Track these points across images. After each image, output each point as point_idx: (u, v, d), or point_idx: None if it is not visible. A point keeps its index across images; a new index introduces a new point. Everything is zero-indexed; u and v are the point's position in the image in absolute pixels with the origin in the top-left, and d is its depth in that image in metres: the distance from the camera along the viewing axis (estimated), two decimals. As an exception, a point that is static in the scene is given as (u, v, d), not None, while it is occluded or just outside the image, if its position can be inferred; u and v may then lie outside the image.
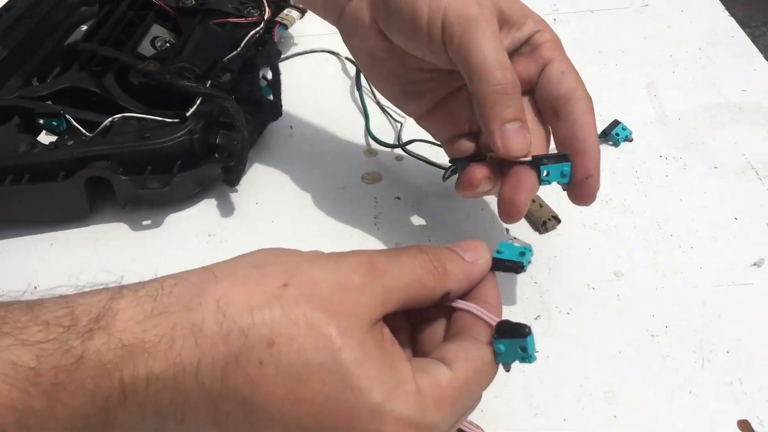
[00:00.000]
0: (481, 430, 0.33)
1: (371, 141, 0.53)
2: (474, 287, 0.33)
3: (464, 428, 0.32)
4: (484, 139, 0.41)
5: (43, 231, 0.48)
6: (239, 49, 0.52)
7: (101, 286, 0.28)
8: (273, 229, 0.48)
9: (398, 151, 0.53)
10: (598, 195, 0.49)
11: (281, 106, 0.53)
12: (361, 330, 0.27)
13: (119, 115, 0.48)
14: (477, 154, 0.41)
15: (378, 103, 0.56)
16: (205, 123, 0.48)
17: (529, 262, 0.34)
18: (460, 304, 0.32)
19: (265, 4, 0.56)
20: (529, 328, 0.30)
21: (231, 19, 0.56)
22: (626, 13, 0.69)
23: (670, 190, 0.50)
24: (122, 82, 0.51)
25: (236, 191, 0.50)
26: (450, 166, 0.44)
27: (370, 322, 0.28)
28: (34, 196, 0.46)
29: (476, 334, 0.31)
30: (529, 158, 0.36)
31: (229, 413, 0.27)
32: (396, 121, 0.55)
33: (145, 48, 0.54)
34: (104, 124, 0.47)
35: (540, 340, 0.40)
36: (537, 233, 0.47)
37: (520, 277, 0.44)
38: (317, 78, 0.60)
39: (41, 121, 0.49)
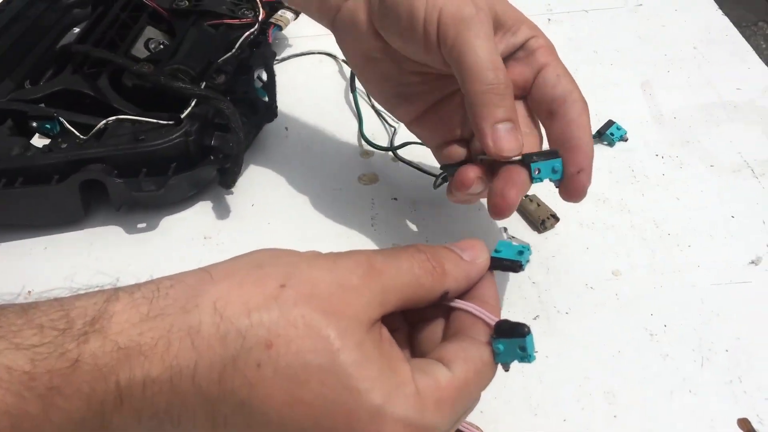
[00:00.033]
0: (480, 430, 0.33)
1: (375, 132, 0.53)
2: (472, 287, 0.33)
3: (463, 429, 0.32)
4: (475, 145, 0.40)
5: (37, 235, 0.47)
6: (234, 50, 0.52)
7: (96, 289, 0.27)
8: (269, 231, 0.48)
9: (397, 141, 0.52)
10: (595, 194, 0.50)
11: (276, 107, 0.53)
12: (359, 331, 0.27)
13: (113, 118, 0.47)
14: (468, 160, 0.41)
15: (373, 107, 0.56)
16: (200, 125, 0.47)
17: (528, 261, 0.33)
18: (459, 303, 0.32)
19: (260, 6, 0.56)
20: (528, 327, 0.29)
21: (225, 21, 0.55)
22: (620, 13, 0.69)
23: (666, 189, 0.50)
24: (116, 85, 0.50)
25: (232, 193, 0.50)
26: (441, 173, 0.43)
27: (369, 322, 0.28)
28: (27, 200, 0.46)
29: (475, 334, 0.30)
30: (519, 157, 0.36)
31: (226, 416, 0.27)
32: (390, 125, 0.55)
33: (139, 50, 0.54)
34: (98, 126, 0.47)
35: (539, 340, 0.40)
36: (536, 233, 0.47)
37: (519, 277, 0.44)
38: (312, 79, 0.60)
39: (34, 124, 0.48)
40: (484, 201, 0.48)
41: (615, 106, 0.57)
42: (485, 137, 0.36)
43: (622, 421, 0.37)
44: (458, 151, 0.41)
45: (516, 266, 0.33)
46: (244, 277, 0.28)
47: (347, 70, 0.60)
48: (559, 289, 0.44)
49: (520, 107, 0.39)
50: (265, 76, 0.54)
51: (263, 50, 0.55)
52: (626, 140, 0.54)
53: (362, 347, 0.27)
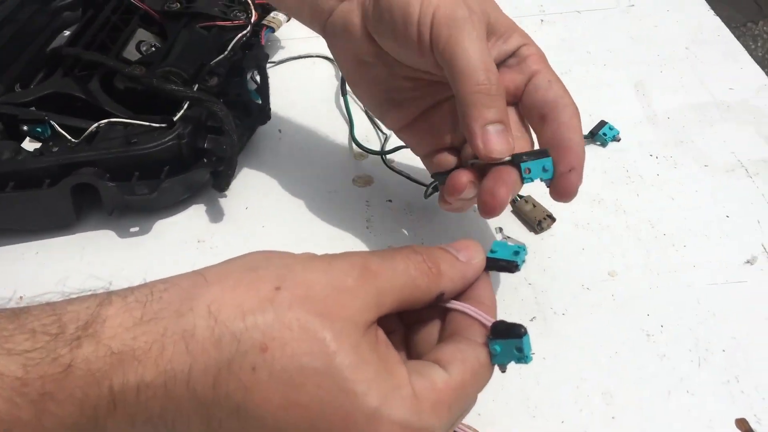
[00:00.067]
0: (477, 432, 0.33)
1: (369, 135, 0.53)
2: (468, 287, 0.32)
3: (460, 431, 0.32)
4: (465, 152, 0.40)
5: (28, 239, 0.47)
6: (226, 52, 0.51)
7: (89, 293, 0.27)
8: (263, 234, 0.48)
9: (389, 146, 0.52)
10: (590, 195, 0.50)
11: (270, 109, 0.53)
12: (355, 333, 0.27)
13: (105, 121, 0.47)
14: (459, 167, 0.41)
15: (366, 111, 0.56)
16: (193, 127, 0.47)
17: (524, 262, 0.33)
18: (455, 304, 0.31)
19: (252, 7, 0.56)
20: (525, 328, 0.29)
21: (217, 23, 0.55)
22: (613, 14, 0.69)
23: (661, 189, 0.50)
24: (107, 87, 0.50)
25: (225, 196, 0.50)
26: (432, 182, 0.43)
27: (365, 324, 0.28)
28: (18, 204, 0.46)
29: (471, 335, 0.30)
30: (508, 158, 0.36)
31: (221, 420, 0.26)
32: (383, 132, 0.54)
33: (131, 52, 0.54)
34: (90, 129, 0.46)
35: (536, 341, 0.40)
36: (532, 234, 0.47)
37: (515, 278, 0.44)
38: (306, 81, 0.60)
39: (25, 128, 0.48)
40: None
41: (608, 106, 0.57)
42: (475, 138, 0.36)
43: (619, 422, 0.37)
44: (448, 159, 0.41)
45: (512, 266, 0.33)
46: (239, 280, 0.27)
47: (341, 72, 0.60)
48: (556, 290, 0.43)
49: (511, 113, 0.39)
50: (258, 78, 0.54)
51: (256, 52, 0.54)
52: (619, 140, 0.54)
53: (358, 349, 0.27)
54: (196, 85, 0.49)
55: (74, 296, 0.27)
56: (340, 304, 0.27)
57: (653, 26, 0.67)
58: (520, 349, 0.29)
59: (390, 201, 0.49)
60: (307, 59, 0.62)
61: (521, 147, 0.38)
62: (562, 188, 0.37)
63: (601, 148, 0.54)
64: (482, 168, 0.37)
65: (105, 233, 0.47)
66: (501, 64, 0.39)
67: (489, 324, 0.30)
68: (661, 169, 0.52)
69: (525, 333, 0.29)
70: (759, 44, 2.03)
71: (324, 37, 0.43)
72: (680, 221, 0.48)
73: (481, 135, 0.35)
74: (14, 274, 0.45)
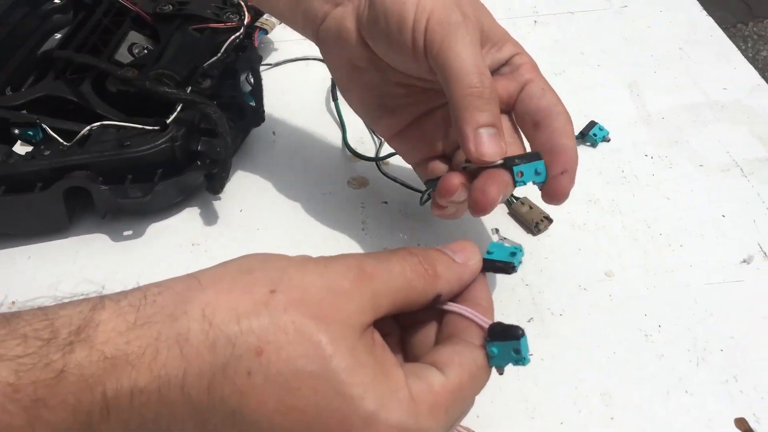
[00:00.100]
0: (474, 433, 0.33)
1: (362, 139, 0.53)
2: (465, 289, 0.32)
3: (457, 433, 0.32)
4: (457, 159, 0.40)
5: (20, 244, 0.46)
6: (219, 54, 0.51)
7: (82, 297, 0.27)
8: (258, 236, 0.47)
9: (384, 152, 0.52)
10: (586, 195, 0.49)
11: (264, 111, 0.52)
12: (351, 336, 0.27)
13: (97, 124, 0.46)
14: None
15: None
16: (187, 130, 0.47)
17: (520, 263, 0.33)
18: (451, 306, 0.31)
19: (245, 9, 0.55)
20: (522, 329, 0.29)
21: (210, 25, 0.55)
22: (606, 14, 0.69)
23: (657, 189, 0.50)
24: (100, 90, 0.50)
25: (220, 199, 0.49)
26: (427, 189, 0.43)
27: (361, 327, 0.27)
28: (10, 208, 0.45)
29: (468, 337, 0.30)
30: (500, 161, 0.36)
31: (216, 425, 0.26)
32: (377, 136, 0.54)
33: (123, 55, 0.53)
34: (82, 132, 0.46)
35: (534, 342, 0.40)
36: (529, 235, 0.47)
37: (512, 279, 0.43)
38: (300, 83, 0.59)
39: (16, 131, 0.47)
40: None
41: (602, 106, 0.57)
42: (467, 141, 0.35)
43: (619, 423, 0.37)
44: (440, 167, 0.41)
45: (509, 268, 0.33)
46: (233, 283, 0.27)
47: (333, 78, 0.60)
48: (553, 290, 0.43)
49: (504, 121, 0.39)
50: (252, 81, 0.53)
51: (249, 54, 0.54)
52: (608, 140, 0.54)
53: (354, 352, 0.26)
54: (189, 88, 0.49)
55: (67, 300, 0.26)
56: (335, 306, 0.27)
57: (646, 27, 0.67)
58: (517, 351, 0.29)
59: (385, 203, 0.49)
60: (300, 61, 0.62)
61: (513, 154, 0.38)
62: (554, 191, 0.37)
63: (591, 148, 0.54)
64: (474, 172, 0.37)
65: (98, 237, 0.47)
66: (494, 72, 0.39)
67: (486, 326, 0.30)
68: (657, 169, 0.52)
69: (522, 335, 0.29)
70: (749, 45, 2.04)
71: (317, 43, 0.43)
72: (676, 221, 0.48)
73: (473, 138, 0.35)
74: (6, 278, 0.44)
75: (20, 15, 0.55)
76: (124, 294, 0.27)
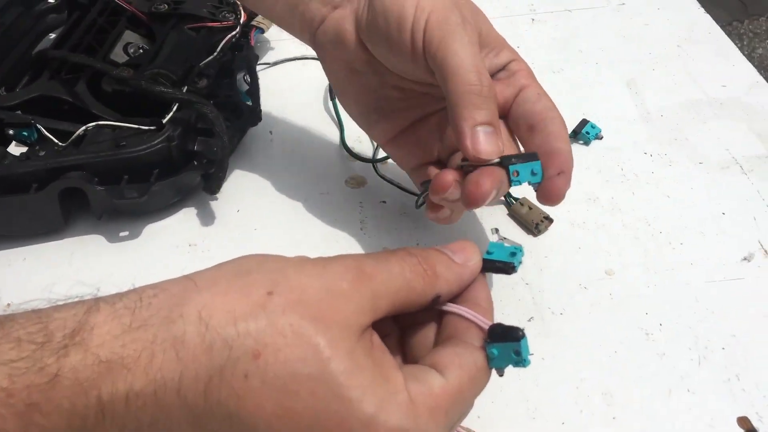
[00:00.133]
0: (474, 434, 0.32)
1: (357, 141, 0.52)
2: (464, 289, 0.32)
3: (458, 435, 0.31)
4: (452, 163, 0.40)
5: (15, 245, 0.46)
6: (215, 53, 0.51)
7: (76, 299, 0.26)
8: (256, 237, 0.47)
9: (382, 154, 0.51)
10: (585, 193, 0.49)
11: (261, 111, 0.52)
12: (350, 338, 0.26)
13: (93, 124, 0.46)
14: None
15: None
16: (183, 129, 0.46)
17: (520, 263, 0.33)
18: (451, 307, 0.31)
19: (241, 8, 0.55)
20: (523, 331, 0.29)
21: (206, 24, 0.54)
22: (604, 12, 0.69)
23: (656, 186, 0.50)
24: (95, 90, 0.49)
25: (217, 199, 0.49)
26: (423, 192, 0.43)
27: (360, 329, 0.27)
28: (5, 210, 0.45)
29: (468, 339, 0.30)
30: (497, 159, 0.35)
31: (213, 429, 0.26)
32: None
33: (118, 55, 0.53)
34: (77, 133, 0.46)
35: (534, 341, 0.39)
36: (530, 236, 0.47)
37: (512, 279, 0.43)
38: (297, 82, 0.59)
39: (11, 132, 0.47)
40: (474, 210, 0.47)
41: (601, 104, 0.57)
42: (464, 139, 0.35)
43: (620, 422, 0.36)
44: (435, 172, 0.40)
45: (508, 268, 0.32)
46: (230, 285, 0.27)
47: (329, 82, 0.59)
48: (553, 289, 0.43)
49: (500, 124, 0.39)
50: (249, 80, 0.53)
51: (246, 53, 0.54)
52: (601, 138, 0.54)
53: (353, 355, 0.26)
54: (186, 87, 0.48)
55: (61, 303, 0.26)
56: (334, 308, 0.27)
57: (644, 24, 0.67)
58: (518, 353, 0.29)
59: (384, 202, 0.49)
60: (298, 60, 0.61)
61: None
62: (551, 192, 0.37)
63: (584, 146, 0.54)
64: (470, 171, 0.37)
65: (94, 238, 0.47)
66: (491, 76, 0.39)
67: (486, 327, 0.30)
68: (656, 167, 0.52)
69: (523, 336, 0.29)
70: (744, 43, 2.04)
71: (313, 46, 0.43)
72: (676, 219, 0.48)
73: (470, 135, 0.35)
74: (1, 280, 0.44)
75: (14, 15, 0.55)
76: (119, 296, 0.26)
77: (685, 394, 0.38)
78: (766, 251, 0.45)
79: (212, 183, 0.47)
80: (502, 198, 0.47)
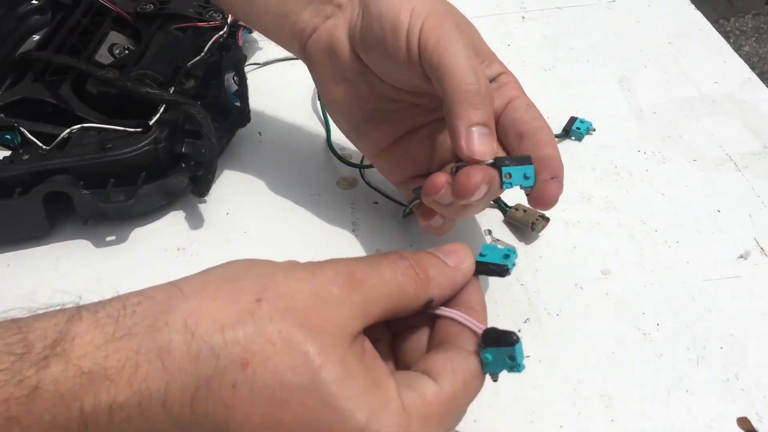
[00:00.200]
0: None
1: (347, 145, 0.51)
2: (457, 293, 0.31)
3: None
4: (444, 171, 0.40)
5: (-1, 251, 0.45)
6: (202, 54, 0.50)
7: (58, 308, 0.25)
8: (246, 240, 0.46)
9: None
10: (579, 192, 0.49)
11: (249, 111, 0.51)
12: (341, 345, 0.26)
13: (77, 126, 0.45)
14: None
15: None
16: (170, 131, 0.45)
17: (514, 265, 0.32)
18: (444, 311, 0.30)
19: (228, 8, 0.54)
20: (517, 335, 0.28)
21: (193, 24, 0.54)
22: (594, 9, 0.68)
23: (651, 184, 0.50)
24: (80, 92, 0.48)
25: (205, 202, 0.48)
26: (413, 199, 0.42)
27: (351, 335, 0.27)
28: (-12, 215, 0.44)
29: (462, 343, 0.29)
30: (490, 160, 0.35)
31: None
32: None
33: (103, 56, 0.52)
34: (62, 135, 0.45)
35: (530, 343, 0.39)
36: (525, 234, 0.46)
37: (507, 280, 0.42)
38: (286, 83, 0.58)
39: (-6, 136, 0.46)
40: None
41: (593, 102, 0.57)
42: (459, 138, 0.35)
43: (619, 425, 0.36)
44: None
45: (502, 270, 0.32)
46: (217, 292, 0.26)
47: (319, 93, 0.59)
48: (549, 290, 0.42)
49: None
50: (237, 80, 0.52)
51: (233, 53, 0.53)
52: (594, 130, 0.54)
53: (344, 362, 0.25)
54: (172, 88, 0.48)
55: (42, 312, 0.25)
56: (324, 314, 0.26)
57: (635, 21, 0.67)
58: (512, 358, 0.28)
59: (376, 203, 0.48)
60: (287, 61, 0.60)
61: None
62: (543, 196, 0.36)
63: (577, 143, 0.53)
64: None
65: (80, 243, 0.46)
66: None
67: (480, 331, 0.29)
68: (650, 165, 0.51)
69: (517, 340, 0.28)
70: (731, 40, 2.05)
71: (303, 57, 0.43)
72: (671, 217, 0.47)
73: (465, 135, 0.35)
74: (-16, 288, 0.43)
75: (-3, 16, 0.54)
76: (102, 304, 0.25)
77: (684, 394, 0.37)
78: (762, 249, 0.45)
79: (200, 185, 0.46)
80: (495, 204, 0.47)
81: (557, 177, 0.36)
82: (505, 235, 0.46)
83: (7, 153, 0.45)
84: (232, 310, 0.25)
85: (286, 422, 0.24)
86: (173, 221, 0.47)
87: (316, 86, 0.44)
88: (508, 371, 0.28)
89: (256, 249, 0.45)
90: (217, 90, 0.51)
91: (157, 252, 0.45)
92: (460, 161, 0.36)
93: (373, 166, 0.47)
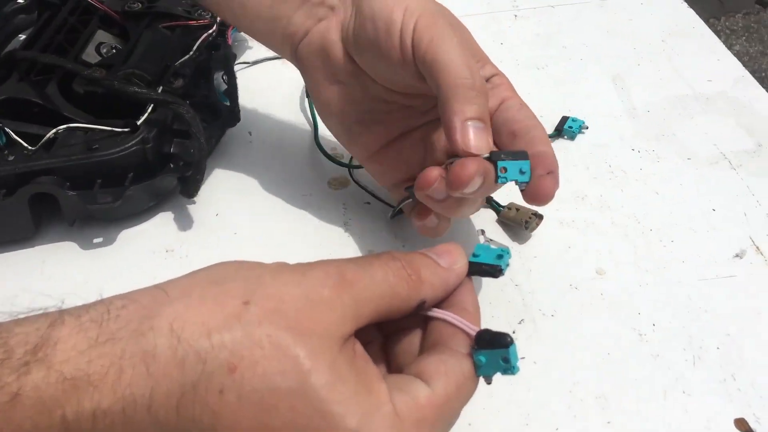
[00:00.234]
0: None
1: (337, 145, 0.51)
2: (450, 294, 0.31)
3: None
4: None
5: (-17, 254, 0.44)
6: (191, 52, 0.50)
7: (40, 312, 0.25)
8: (236, 241, 0.46)
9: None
10: (573, 191, 0.48)
11: (239, 111, 0.51)
12: (331, 349, 0.25)
13: (64, 126, 0.44)
14: None
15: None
16: (158, 131, 0.45)
17: (508, 265, 0.32)
18: (437, 313, 0.30)
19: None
20: (511, 337, 0.28)
21: (181, 23, 0.53)
22: (587, 7, 0.68)
23: (645, 183, 0.49)
24: (66, 92, 0.48)
25: (194, 203, 0.48)
26: (404, 198, 0.41)
27: (341, 339, 0.26)
28: (-28, 217, 0.43)
29: (455, 345, 0.29)
30: (486, 155, 0.35)
31: None
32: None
33: (90, 55, 0.51)
34: (48, 136, 0.44)
35: (525, 344, 0.39)
36: (519, 235, 0.46)
37: (501, 280, 0.41)
38: (277, 82, 0.58)
39: (-22, 137, 0.45)
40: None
41: (586, 101, 0.56)
42: (454, 132, 0.34)
43: (616, 427, 0.36)
44: None
45: (495, 271, 0.31)
46: (204, 294, 0.25)
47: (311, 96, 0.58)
48: (543, 290, 0.42)
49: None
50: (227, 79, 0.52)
51: (223, 52, 0.53)
52: (587, 128, 0.53)
53: (335, 366, 0.25)
54: (161, 87, 0.47)
55: (23, 316, 0.24)
56: (314, 317, 0.25)
57: (628, 20, 0.66)
58: (506, 360, 0.28)
59: (368, 203, 0.48)
60: (277, 60, 0.60)
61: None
62: (540, 191, 0.36)
63: (570, 141, 0.53)
64: None
65: (66, 245, 0.45)
66: None
67: (473, 333, 0.29)
68: (644, 164, 0.51)
69: (511, 343, 0.28)
70: (722, 40, 2.05)
71: (294, 60, 0.43)
72: (666, 216, 0.47)
73: (460, 129, 0.34)
74: (-32, 291, 0.42)
75: (-19, 16, 0.53)
76: (85, 308, 0.25)
77: (681, 395, 0.37)
78: (758, 247, 0.45)
79: (189, 186, 0.45)
80: (487, 204, 0.46)
81: (553, 172, 0.36)
82: (498, 235, 0.46)
83: (-8, 154, 0.44)
84: (218, 313, 0.25)
85: (275, 428, 0.24)
86: (162, 222, 0.47)
87: (308, 89, 0.44)
88: (502, 374, 0.28)
89: (247, 250, 0.45)
90: (206, 89, 0.50)
91: (146, 254, 0.45)
92: (454, 158, 0.35)
93: (362, 167, 0.46)
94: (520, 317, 0.41)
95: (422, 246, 0.31)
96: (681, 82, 0.59)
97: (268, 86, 0.57)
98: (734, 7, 2.19)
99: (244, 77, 0.56)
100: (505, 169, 0.35)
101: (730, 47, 2.02)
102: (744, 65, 0.62)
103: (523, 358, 0.34)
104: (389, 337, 0.31)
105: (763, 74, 1.95)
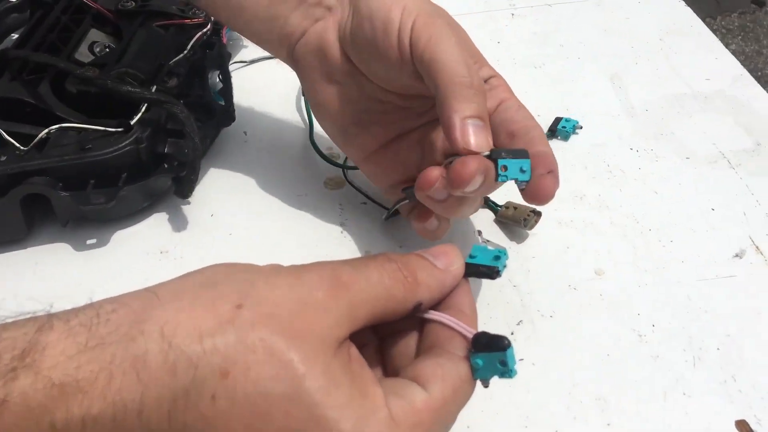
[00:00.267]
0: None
1: (333, 145, 0.50)
2: (447, 296, 0.30)
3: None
4: None
5: (-25, 256, 0.44)
6: (185, 51, 0.49)
7: (28, 316, 0.24)
8: (231, 242, 0.45)
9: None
10: (572, 191, 0.48)
11: (234, 110, 0.50)
12: (326, 353, 0.25)
13: (56, 126, 0.44)
14: None
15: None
16: (152, 131, 0.45)
17: (505, 267, 0.31)
18: (433, 315, 0.29)
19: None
20: (509, 340, 0.27)
21: (175, 21, 0.53)
22: (584, 6, 0.68)
23: (644, 182, 0.49)
24: (59, 91, 0.47)
25: (189, 203, 0.47)
26: (401, 199, 0.41)
27: (336, 342, 0.26)
28: (-37, 218, 0.43)
29: (451, 348, 0.28)
30: (486, 153, 0.34)
31: None
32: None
33: (83, 54, 0.51)
34: (40, 136, 0.44)
35: (524, 346, 0.38)
36: (517, 235, 0.45)
37: (499, 281, 0.41)
38: (272, 81, 0.57)
39: (-30, 137, 0.45)
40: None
41: (584, 99, 0.56)
42: (453, 130, 0.34)
43: (615, 428, 0.35)
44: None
45: (493, 272, 0.31)
46: (195, 298, 0.25)
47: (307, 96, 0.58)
48: (542, 291, 0.42)
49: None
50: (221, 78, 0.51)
51: (217, 51, 0.52)
52: (581, 128, 0.53)
53: (329, 370, 0.24)
54: (154, 87, 0.47)
55: (11, 321, 0.24)
56: (308, 321, 0.25)
57: (625, 18, 0.66)
58: (503, 363, 0.27)
59: (364, 203, 0.47)
60: (272, 59, 0.59)
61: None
62: (540, 190, 0.36)
63: (564, 142, 0.52)
64: None
65: (59, 246, 0.45)
66: None
67: (470, 336, 0.28)
68: (643, 163, 0.51)
69: (509, 345, 0.27)
70: (718, 38, 2.06)
71: (291, 61, 0.43)
72: (665, 215, 0.47)
73: (459, 127, 0.34)
74: (-40, 294, 0.42)
75: (-28, 15, 0.53)
76: (74, 312, 0.24)
77: (681, 397, 0.36)
78: (757, 247, 0.44)
79: (184, 186, 0.45)
80: (484, 204, 0.46)
81: (553, 171, 0.36)
82: (496, 235, 0.45)
83: (-17, 154, 0.44)
84: (211, 317, 0.24)
85: None
86: (156, 223, 0.46)
87: (304, 90, 0.44)
88: (500, 377, 0.28)
89: (242, 251, 0.44)
90: (200, 88, 0.50)
91: (140, 255, 0.44)
92: (453, 157, 0.35)
93: (357, 168, 0.46)
94: (519, 318, 0.40)
95: (420, 247, 0.31)
96: (679, 80, 0.59)
97: (264, 85, 0.57)
98: (730, 7, 2.19)
99: (239, 76, 0.55)
100: (506, 168, 0.34)
101: (726, 46, 2.03)
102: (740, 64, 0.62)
103: (522, 359, 0.34)
104: (385, 340, 0.31)
105: (759, 73, 1.95)
